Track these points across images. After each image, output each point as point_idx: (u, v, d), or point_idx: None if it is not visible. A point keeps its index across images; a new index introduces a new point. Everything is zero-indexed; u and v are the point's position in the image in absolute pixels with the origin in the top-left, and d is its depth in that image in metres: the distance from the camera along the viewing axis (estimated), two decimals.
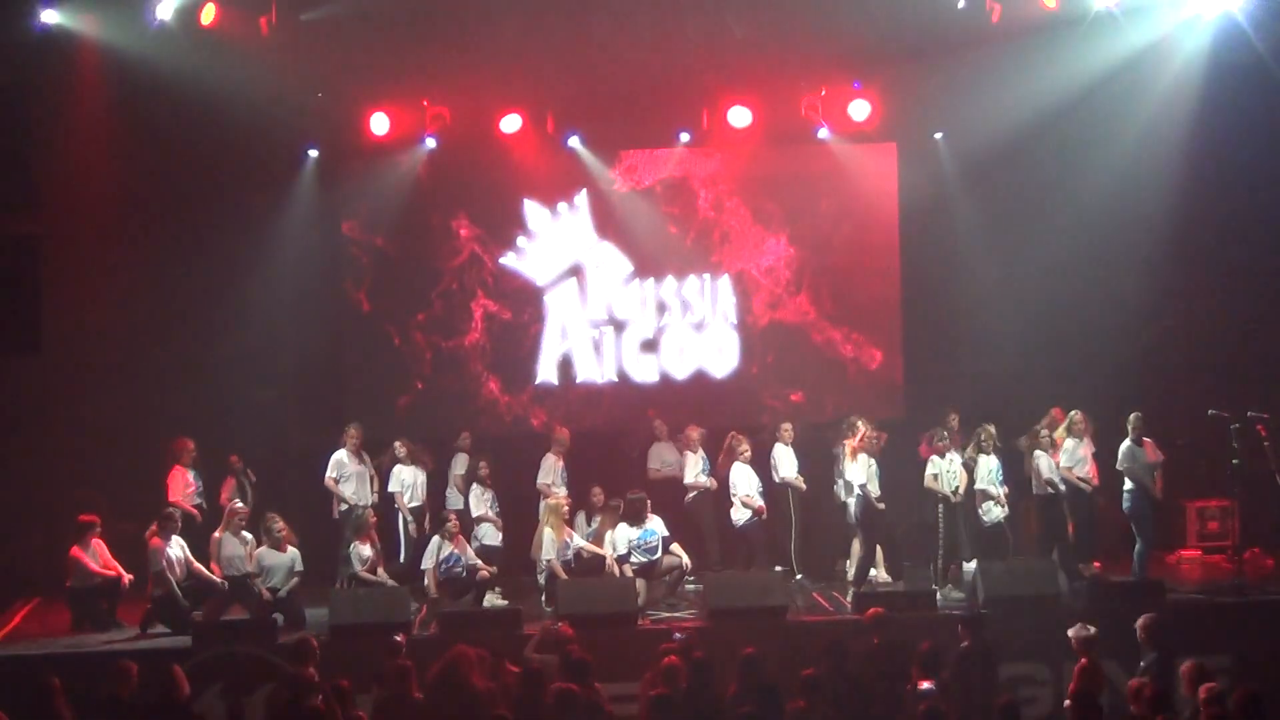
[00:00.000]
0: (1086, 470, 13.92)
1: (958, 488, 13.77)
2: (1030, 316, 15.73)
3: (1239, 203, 15.40)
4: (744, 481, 14.21)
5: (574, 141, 15.95)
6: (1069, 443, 13.91)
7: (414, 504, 14.58)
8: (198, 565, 13.15)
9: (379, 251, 16.07)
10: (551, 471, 14.66)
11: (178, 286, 15.23)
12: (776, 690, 9.36)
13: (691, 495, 14.66)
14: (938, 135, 16.08)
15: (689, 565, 13.62)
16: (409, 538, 14.42)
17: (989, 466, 13.70)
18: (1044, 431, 13.95)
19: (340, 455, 14.51)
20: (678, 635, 10.40)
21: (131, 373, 14.89)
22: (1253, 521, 14.19)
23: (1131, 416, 13.76)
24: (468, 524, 14.10)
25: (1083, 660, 10.13)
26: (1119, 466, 13.67)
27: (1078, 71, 14.92)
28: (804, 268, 16.33)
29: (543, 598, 13.42)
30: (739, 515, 14.20)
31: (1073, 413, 14.02)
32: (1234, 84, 14.78)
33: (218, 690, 11.62)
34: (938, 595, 13.12)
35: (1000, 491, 13.67)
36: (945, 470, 13.78)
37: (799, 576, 14.31)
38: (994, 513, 13.66)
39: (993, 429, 13.84)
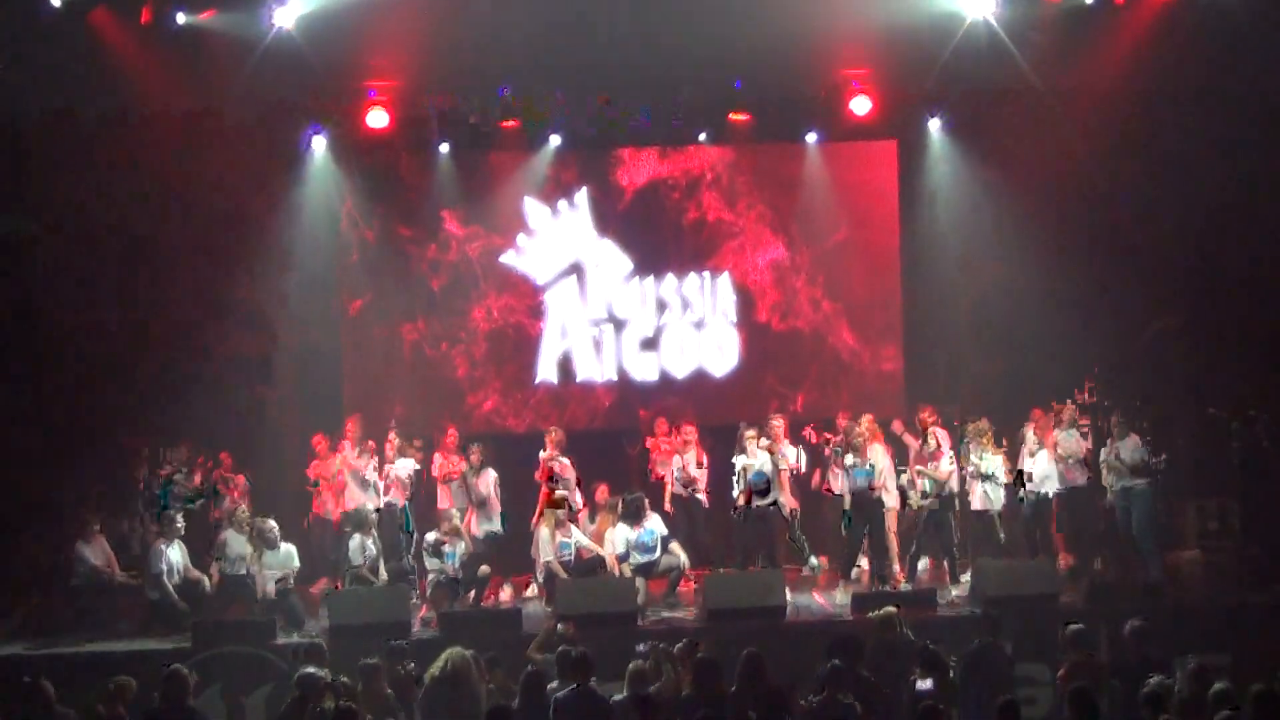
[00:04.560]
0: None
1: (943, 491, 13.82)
2: (1030, 316, 15.71)
3: (1240, 201, 15.35)
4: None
5: (574, 139, 15.94)
6: (1062, 436, 13.98)
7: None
8: (195, 572, 13.19)
9: (377, 248, 16.08)
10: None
11: (177, 285, 15.19)
12: (781, 691, 9.37)
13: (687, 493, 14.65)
14: (934, 122, 16.04)
15: (688, 565, 13.61)
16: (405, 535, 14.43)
17: (983, 460, 13.77)
18: (1030, 432, 14.01)
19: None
20: (641, 647, 10.42)
21: (129, 373, 14.86)
22: (1253, 521, 14.19)
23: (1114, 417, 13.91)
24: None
25: (1076, 657, 10.16)
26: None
27: (1078, 67, 14.93)
28: (804, 267, 16.33)
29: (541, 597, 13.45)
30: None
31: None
32: (1234, 77, 14.74)
33: (218, 690, 11.65)
34: (938, 595, 13.15)
35: (991, 487, 13.74)
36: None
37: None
38: (986, 505, 13.74)
39: (984, 425, 13.86)
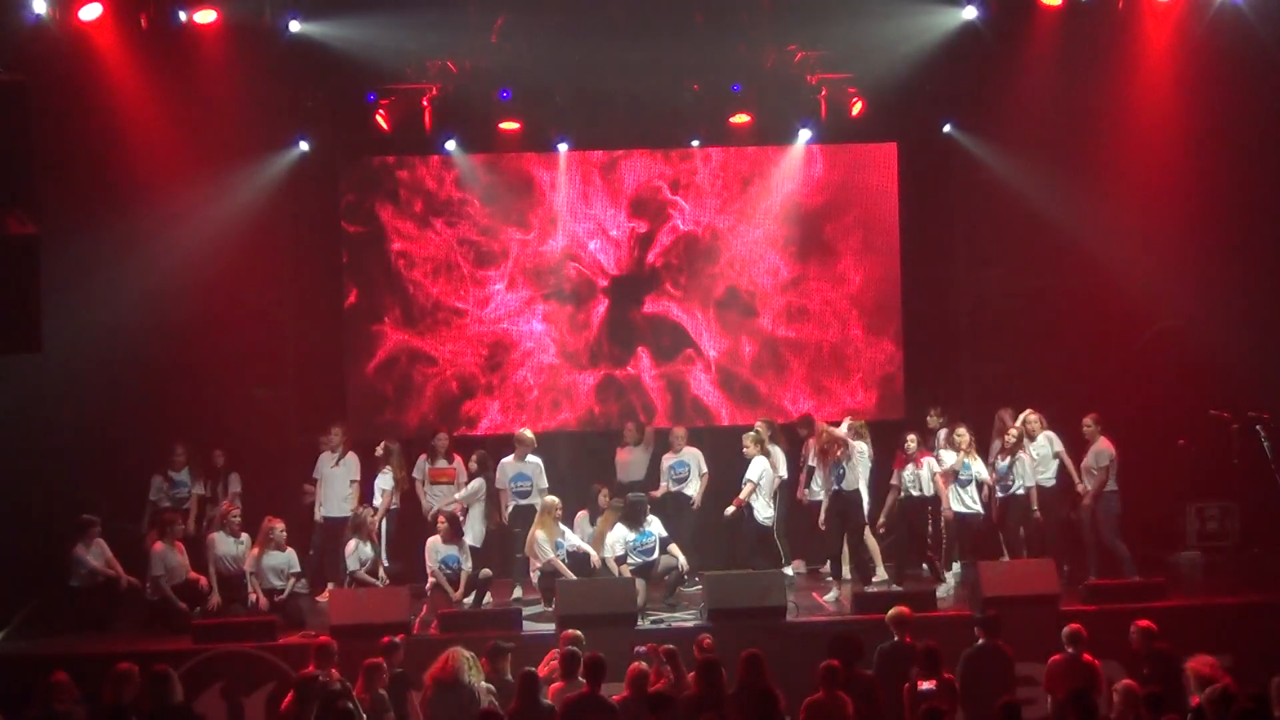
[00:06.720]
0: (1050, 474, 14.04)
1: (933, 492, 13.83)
2: (1030, 316, 15.73)
3: (1240, 201, 15.36)
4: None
5: (573, 144, 15.97)
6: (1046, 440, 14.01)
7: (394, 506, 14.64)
8: (194, 573, 13.20)
9: (374, 250, 16.07)
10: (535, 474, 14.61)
11: (176, 285, 15.22)
12: (773, 693, 9.38)
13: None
14: (947, 127, 16.02)
15: (686, 566, 13.60)
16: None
17: (966, 464, 13.77)
18: (1011, 432, 14.04)
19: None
20: (640, 649, 10.43)
21: (132, 373, 14.88)
22: (1253, 521, 14.20)
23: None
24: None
25: (1069, 650, 10.17)
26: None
27: (1079, 68, 14.94)
28: (805, 269, 16.33)
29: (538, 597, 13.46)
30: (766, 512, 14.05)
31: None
32: (1235, 74, 14.73)
33: (218, 690, 11.65)
34: (937, 595, 13.16)
35: (969, 491, 13.75)
36: (911, 478, 13.85)
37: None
38: (963, 508, 13.73)
39: (963, 430, 13.87)
